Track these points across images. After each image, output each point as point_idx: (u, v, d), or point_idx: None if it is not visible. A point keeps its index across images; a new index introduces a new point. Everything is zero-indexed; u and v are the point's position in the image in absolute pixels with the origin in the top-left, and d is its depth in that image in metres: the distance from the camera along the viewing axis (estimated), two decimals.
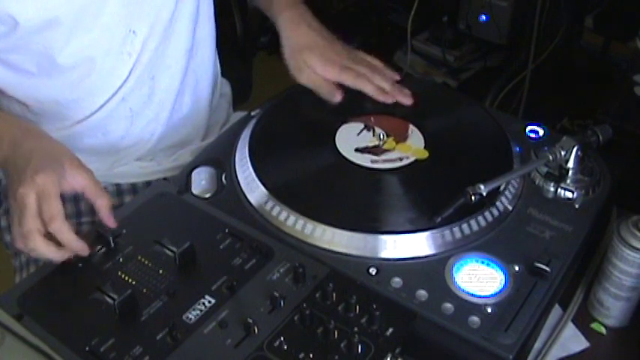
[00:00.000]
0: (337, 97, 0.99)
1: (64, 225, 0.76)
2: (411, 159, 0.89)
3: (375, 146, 0.92)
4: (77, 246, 0.77)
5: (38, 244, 0.75)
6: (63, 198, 0.77)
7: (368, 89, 1.00)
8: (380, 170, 0.88)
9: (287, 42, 1.05)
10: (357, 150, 0.91)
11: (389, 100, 0.99)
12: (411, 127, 0.95)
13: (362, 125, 0.95)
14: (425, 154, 0.90)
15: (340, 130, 0.94)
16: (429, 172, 0.88)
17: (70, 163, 0.80)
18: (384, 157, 0.90)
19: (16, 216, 0.76)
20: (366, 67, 1.02)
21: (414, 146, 0.91)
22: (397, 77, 1.04)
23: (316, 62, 1.01)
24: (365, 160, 0.89)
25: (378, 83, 1.00)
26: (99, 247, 0.80)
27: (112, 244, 0.79)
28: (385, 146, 0.91)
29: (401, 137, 0.93)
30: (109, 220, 0.80)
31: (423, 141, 0.92)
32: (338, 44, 1.04)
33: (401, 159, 0.89)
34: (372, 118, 0.96)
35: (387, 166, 0.88)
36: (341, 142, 0.92)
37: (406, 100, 1.00)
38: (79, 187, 0.80)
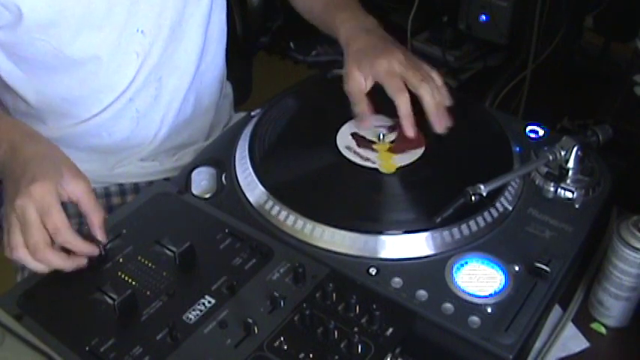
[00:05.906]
0: (366, 124, 0.92)
1: (71, 235, 0.75)
2: (373, 166, 0.87)
3: (369, 140, 0.91)
4: (88, 250, 0.76)
5: (49, 257, 0.74)
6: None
7: (427, 100, 0.88)
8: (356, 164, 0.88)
9: (345, 51, 0.95)
10: (351, 135, 0.92)
11: (441, 124, 0.89)
12: (421, 149, 0.90)
13: (383, 120, 0.94)
14: (392, 169, 0.87)
15: (349, 123, 0.94)
16: (429, 172, 0.88)
17: (68, 170, 0.78)
18: (360, 150, 0.89)
19: (15, 227, 0.74)
20: (430, 75, 0.91)
21: (393, 162, 0.88)
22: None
23: (373, 61, 0.90)
24: (347, 144, 0.90)
25: (437, 96, 0.89)
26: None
27: (103, 252, 0.78)
28: (375, 146, 0.91)
29: (399, 149, 0.91)
30: (100, 235, 0.78)
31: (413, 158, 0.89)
32: (402, 50, 0.92)
33: (367, 159, 0.88)
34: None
35: (353, 159, 0.88)
36: (343, 133, 0.92)
37: (441, 127, 0.90)
38: (74, 197, 0.77)
